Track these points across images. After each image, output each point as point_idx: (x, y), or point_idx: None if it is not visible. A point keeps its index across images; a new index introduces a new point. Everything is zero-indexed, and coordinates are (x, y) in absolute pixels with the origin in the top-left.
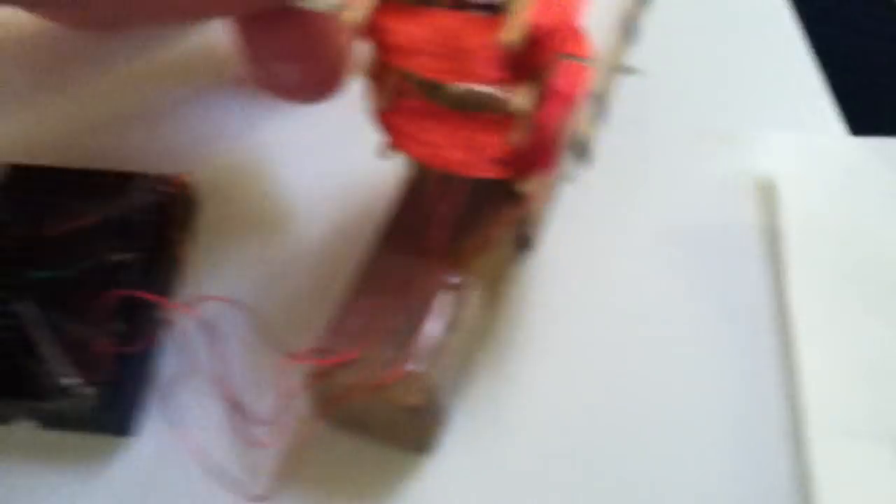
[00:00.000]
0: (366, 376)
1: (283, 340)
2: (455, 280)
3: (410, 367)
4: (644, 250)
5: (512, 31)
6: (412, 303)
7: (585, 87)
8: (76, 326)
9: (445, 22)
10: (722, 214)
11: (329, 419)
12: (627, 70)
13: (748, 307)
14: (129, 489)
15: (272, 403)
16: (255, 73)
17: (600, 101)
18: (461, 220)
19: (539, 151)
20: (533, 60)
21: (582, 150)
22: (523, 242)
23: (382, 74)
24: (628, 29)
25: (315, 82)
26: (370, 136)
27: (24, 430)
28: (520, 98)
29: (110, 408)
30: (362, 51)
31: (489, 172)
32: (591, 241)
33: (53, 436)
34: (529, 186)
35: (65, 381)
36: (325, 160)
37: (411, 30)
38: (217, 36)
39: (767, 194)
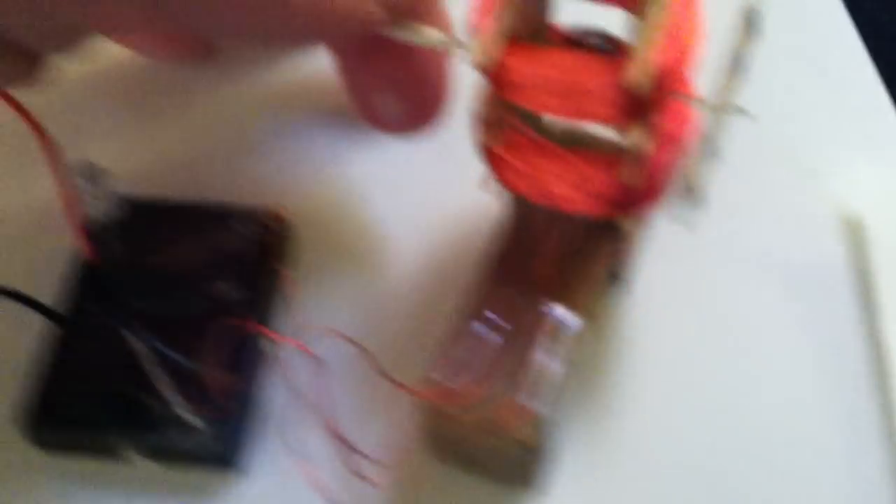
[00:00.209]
0: (479, 412)
1: (389, 373)
2: (561, 315)
3: (525, 403)
4: (733, 286)
5: (639, 72)
6: (520, 338)
7: (694, 126)
8: (186, 359)
9: (564, 60)
10: (811, 250)
11: (437, 454)
12: (739, 111)
13: (842, 343)
14: None
15: (382, 437)
16: (355, 104)
17: (711, 143)
18: (565, 255)
19: (647, 190)
20: (651, 100)
21: (695, 193)
22: (618, 278)
23: (492, 108)
24: (737, 67)
25: (416, 115)
26: (466, 167)
27: (134, 463)
28: (636, 136)
29: (223, 441)
30: (464, 83)
31: (595, 209)
32: (683, 276)
33: (163, 469)
34: (633, 223)
35: (179, 413)
36: (421, 191)
37: (530, 67)
38: (316, 66)
39: (856, 230)
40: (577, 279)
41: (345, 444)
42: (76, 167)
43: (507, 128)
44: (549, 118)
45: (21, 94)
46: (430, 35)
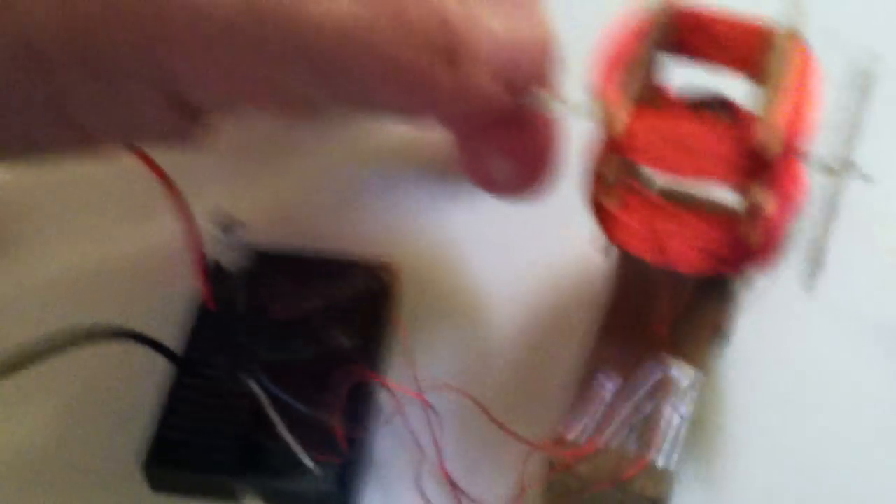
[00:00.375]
0: (605, 468)
1: (504, 429)
2: (679, 370)
3: (652, 458)
4: (829, 342)
5: (767, 135)
6: (639, 393)
7: (808, 188)
8: (302, 404)
9: (685, 122)
10: None
11: None
12: (859, 175)
13: None
14: None
15: (493, 486)
16: (465, 168)
17: (833, 205)
18: (677, 310)
19: (764, 249)
20: (774, 162)
21: (819, 255)
22: (724, 332)
23: (608, 168)
24: (855, 128)
25: (527, 179)
26: (569, 222)
27: None
28: (757, 196)
29: (338, 485)
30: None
31: (711, 267)
32: (779, 330)
33: None
34: (742, 280)
35: (296, 457)
36: (526, 244)
37: (652, 129)
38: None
39: None
40: (688, 334)
41: (458, 491)
42: (213, 217)
43: (621, 187)
44: (659, 178)
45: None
46: (555, 102)
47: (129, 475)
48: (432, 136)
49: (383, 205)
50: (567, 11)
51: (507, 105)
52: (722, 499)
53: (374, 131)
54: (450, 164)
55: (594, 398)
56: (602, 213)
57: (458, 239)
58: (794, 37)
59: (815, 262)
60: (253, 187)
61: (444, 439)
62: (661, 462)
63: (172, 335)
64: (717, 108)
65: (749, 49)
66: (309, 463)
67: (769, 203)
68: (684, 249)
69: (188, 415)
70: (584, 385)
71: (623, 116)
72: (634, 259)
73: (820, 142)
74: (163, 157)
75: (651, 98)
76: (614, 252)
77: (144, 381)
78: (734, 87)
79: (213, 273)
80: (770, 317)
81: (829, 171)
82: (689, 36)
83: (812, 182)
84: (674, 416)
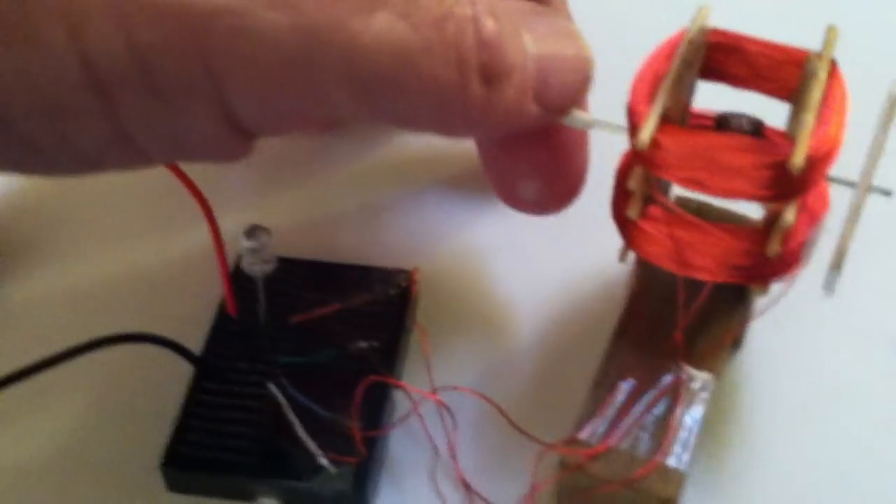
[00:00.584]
0: (619, 468)
1: (518, 429)
2: (695, 376)
3: (667, 462)
4: (849, 350)
5: (800, 156)
6: (656, 397)
7: (829, 203)
8: (324, 409)
9: (714, 141)
10: None
11: None
12: (881, 191)
13: None
14: None
15: (509, 489)
16: (493, 184)
17: (855, 220)
18: (696, 318)
19: (786, 262)
20: (801, 181)
21: (839, 266)
22: (740, 339)
23: (637, 184)
24: (880, 148)
25: (555, 196)
26: (591, 232)
27: None
28: (785, 213)
29: (356, 488)
30: (596, 156)
31: (733, 279)
32: (793, 338)
33: None
34: (759, 290)
35: (321, 462)
36: (547, 254)
37: (683, 147)
38: None
39: None
40: (704, 339)
41: (474, 495)
42: (244, 227)
43: (649, 201)
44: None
45: None
46: (588, 119)
47: (148, 475)
48: (451, 148)
49: (406, 215)
50: (604, 31)
51: (539, 124)
52: (734, 502)
53: (398, 144)
54: (473, 178)
55: (608, 399)
56: (629, 226)
57: (479, 246)
58: (825, 59)
59: (836, 267)
60: (278, 196)
61: (458, 440)
62: (672, 463)
63: (195, 339)
64: (744, 126)
65: (781, 71)
66: (325, 463)
67: (791, 217)
68: (708, 262)
69: (207, 417)
70: (599, 387)
71: (651, 131)
72: (651, 266)
73: (844, 159)
74: (189, 165)
75: (680, 116)
76: (632, 258)
77: (166, 384)
78: (763, 106)
79: (236, 279)
80: (785, 323)
81: (858, 189)
82: (721, 57)
83: (834, 196)
84: (686, 418)
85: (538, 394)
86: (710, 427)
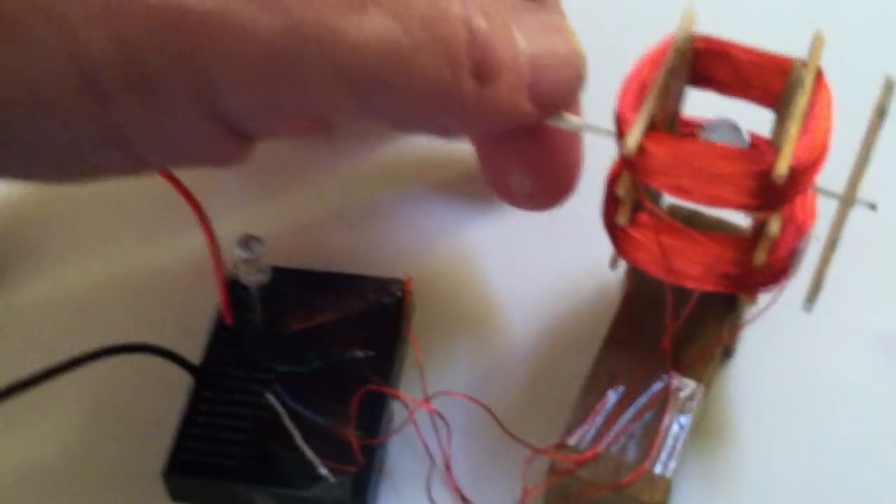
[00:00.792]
0: (607, 474)
1: (509, 434)
2: (683, 383)
3: (654, 469)
4: (835, 353)
5: (784, 165)
6: (644, 404)
7: (814, 213)
8: (318, 415)
9: (701, 149)
10: None
11: None
12: (866, 204)
13: None
14: None
15: (501, 494)
16: (488, 180)
17: (838, 232)
18: (684, 325)
19: (773, 272)
20: (785, 191)
21: (821, 280)
22: (729, 346)
23: (626, 190)
24: (865, 160)
25: (549, 193)
26: (582, 237)
27: None
28: (770, 222)
29: (352, 494)
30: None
31: (720, 287)
32: (783, 343)
33: None
34: (748, 298)
35: (316, 469)
36: (539, 259)
37: (670, 155)
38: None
39: None
40: (692, 346)
41: (465, 501)
42: (237, 238)
43: (637, 208)
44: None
45: None
46: (577, 122)
47: (150, 484)
48: (442, 151)
49: (400, 222)
50: (593, 32)
51: (533, 121)
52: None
53: (392, 150)
54: (467, 183)
55: (597, 406)
56: (614, 229)
57: (471, 252)
58: (811, 67)
59: (816, 286)
60: (271, 204)
61: (452, 448)
62: (658, 469)
63: (192, 349)
64: (730, 133)
65: (767, 78)
66: (324, 471)
67: (777, 225)
68: (696, 269)
69: (207, 425)
70: (588, 392)
71: (637, 137)
72: (641, 272)
73: (830, 169)
74: (184, 173)
75: (668, 123)
76: (623, 265)
77: (165, 394)
78: (749, 114)
79: (232, 288)
80: (772, 328)
81: (841, 200)
82: (707, 63)
83: (821, 205)
84: (673, 425)
85: (531, 399)
86: (700, 435)
